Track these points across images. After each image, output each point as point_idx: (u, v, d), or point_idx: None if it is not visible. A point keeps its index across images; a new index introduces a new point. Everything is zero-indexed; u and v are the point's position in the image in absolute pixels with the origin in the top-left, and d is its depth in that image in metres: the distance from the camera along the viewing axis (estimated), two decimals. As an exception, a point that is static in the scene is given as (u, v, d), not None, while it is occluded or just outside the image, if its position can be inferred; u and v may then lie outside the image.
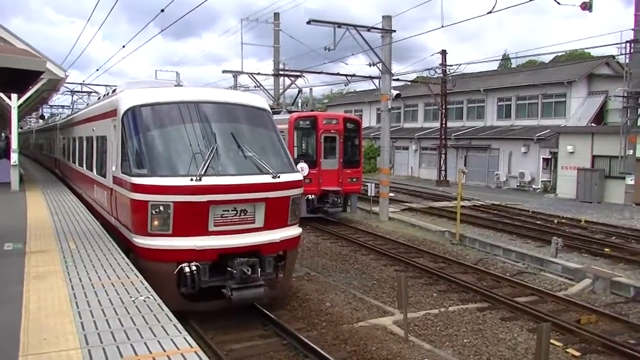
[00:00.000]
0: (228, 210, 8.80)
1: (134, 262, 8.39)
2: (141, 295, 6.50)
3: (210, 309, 9.14)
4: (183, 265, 8.47)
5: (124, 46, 22.84)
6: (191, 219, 8.54)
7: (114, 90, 12.54)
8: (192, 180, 8.41)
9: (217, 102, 9.95)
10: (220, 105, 9.96)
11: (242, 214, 8.93)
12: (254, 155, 9.32)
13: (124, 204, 9.35)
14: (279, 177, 9.20)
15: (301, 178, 9.96)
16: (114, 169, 10.14)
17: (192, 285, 8.53)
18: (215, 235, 8.71)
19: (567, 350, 9.40)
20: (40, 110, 41.34)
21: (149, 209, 8.44)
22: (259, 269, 8.97)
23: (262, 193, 9.03)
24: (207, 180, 8.50)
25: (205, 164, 8.62)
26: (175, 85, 11.96)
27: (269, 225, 9.22)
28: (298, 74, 28.83)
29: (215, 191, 8.54)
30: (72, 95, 39.55)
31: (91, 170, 13.64)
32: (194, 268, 8.46)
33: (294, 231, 9.89)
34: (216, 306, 9.11)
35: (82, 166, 15.76)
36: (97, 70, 76.11)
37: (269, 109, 10.90)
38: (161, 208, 8.44)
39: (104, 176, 11.39)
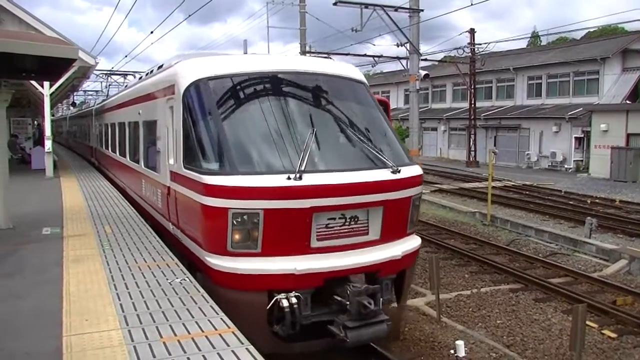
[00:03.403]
0: (334, 219, 6.59)
1: (204, 284, 6.54)
2: (177, 278, 6.61)
3: (312, 350, 6.89)
4: (279, 297, 6.27)
5: (152, 32, 23.03)
6: (288, 232, 6.39)
7: (160, 67, 10.36)
8: (289, 179, 6.24)
9: (309, 73, 7.72)
10: (313, 77, 7.68)
11: (352, 223, 6.72)
12: (366, 143, 7.17)
13: (189, 209, 7.22)
14: (399, 171, 6.98)
15: (421, 172, 7.69)
16: (171, 162, 8.06)
17: (291, 323, 6.29)
18: (319, 254, 6.52)
19: (603, 331, 9.28)
20: (72, 98, 41.99)
21: (230, 220, 6.26)
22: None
23: (380, 194, 6.78)
24: (309, 179, 6.32)
25: (304, 156, 6.42)
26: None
27: (386, 236, 7.02)
28: (325, 56, 28.67)
29: (320, 193, 6.37)
30: (108, 78, 38.84)
31: (137, 163, 11.62)
32: (293, 300, 6.24)
33: (414, 242, 7.63)
34: (320, 347, 6.79)
35: (124, 157, 13.82)
36: (126, 56, 76.76)
37: (366, 81, 8.72)
38: (246, 218, 6.26)
39: (156, 170, 9.40)
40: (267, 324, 6.42)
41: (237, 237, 6.35)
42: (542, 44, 59.72)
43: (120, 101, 15.02)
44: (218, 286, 6.52)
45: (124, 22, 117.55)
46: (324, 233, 6.55)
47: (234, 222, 6.28)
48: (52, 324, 5.13)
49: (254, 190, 6.24)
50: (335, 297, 6.50)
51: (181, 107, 7.51)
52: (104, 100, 23.56)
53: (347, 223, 6.68)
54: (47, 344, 4.70)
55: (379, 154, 7.09)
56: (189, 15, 22.12)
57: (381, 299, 6.67)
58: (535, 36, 64.61)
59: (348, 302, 6.30)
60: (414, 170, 7.41)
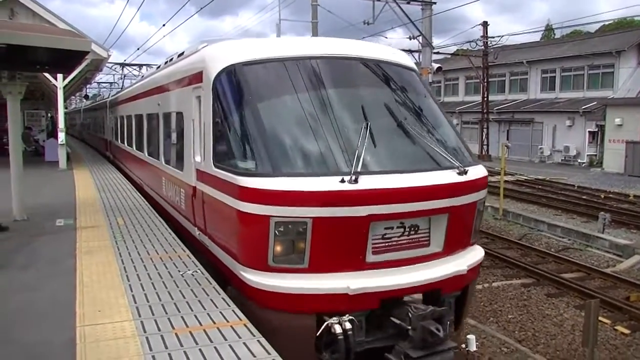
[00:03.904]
0: (392, 228, 5.67)
1: (237, 301, 5.72)
2: (189, 270, 6.63)
3: None
4: (331, 322, 5.33)
5: (164, 25, 23.11)
6: (340, 244, 5.50)
7: (180, 54, 9.46)
8: (343, 181, 5.32)
9: (358, 58, 6.73)
10: (363, 63, 6.72)
11: (411, 233, 5.79)
12: (426, 140, 6.20)
13: (221, 215, 6.34)
14: (466, 172, 6.05)
15: (487, 173, 6.75)
16: (198, 160, 7.21)
17: (345, 351, 5.30)
18: (375, 269, 5.62)
19: (616, 327, 9.22)
20: (84, 90, 42.27)
21: (271, 230, 5.37)
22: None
23: (446, 200, 5.86)
24: (366, 182, 5.38)
25: (359, 155, 5.49)
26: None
27: (450, 248, 6.11)
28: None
29: (379, 199, 5.45)
30: (122, 69, 37.71)
31: (156, 159, 10.76)
32: (347, 325, 5.31)
33: (478, 253, 6.69)
34: None
35: (141, 151, 13.11)
36: (138, 49, 77.02)
37: (417, 68, 7.74)
38: (291, 227, 5.39)
39: (179, 168, 8.53)
40: (314, 350, 5.54)
41: (280, 250, 5.47)
42: (556, 37, 59.18)
43: (137, 92, 14.18)
44: (256, 306, 5.62)
45: (135, 15, 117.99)
46: (380, 245, 5.64)
47: (277, 232, 5.38)
48: (65, 315, 5.17)
49: (301, 195, 5.32)
50: (393, 320, 5.56)
51: (211, 97, 6.60)
52: (118, 92, 23.12)
53: (406, 233, 5.76)
54: (61, 334, 4.74)
55: (443, 152, 6.13)
56: (201, 8, 22.21)
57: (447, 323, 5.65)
58: (549, 29, 64.00)
59: (410, 327, 5.37)
60: (480, 171, 6.50)
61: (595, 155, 34.14)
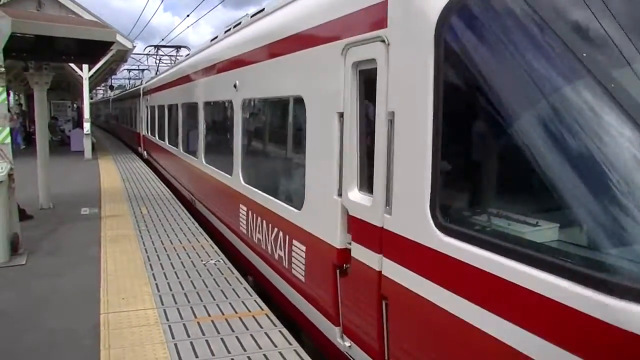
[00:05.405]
0: None
1: None
2: (212, 259, 6.67)
3: None
4: None
5: (187, 15, 23.22)
6: None
7: (236, 24, 7.34)
8: None
9: None
10: None
11: None
12: None
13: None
14: None
15: None
16: (355, 197, 3.87)
17: None
18: None
19: None
20: (110, 81, 42.77)
21: None
22: None
23: None
24: None
25: None
26: None
27: None
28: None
29: None
30: (157, 51, 34.23)
31: (228, 172, 7.26)
32: None
33: None
34: None
35: (193, 156, 9.90)
36: (162, 40, 77.40)
37: None
38: None
39: (286, 200, 5.32)
40: None
41: None
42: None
43: (187, 72, 10.56)
44: None
45: (159, 7, 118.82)
46: None
47: None
48: (90, 302, 5.24)
49: None
50: None
51: (431, 61, 3.00)
52: (152, 78, 20.99)
53: None
54: (85, 321, 4.81)
55: None
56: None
57: None
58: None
59: None
60: None
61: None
